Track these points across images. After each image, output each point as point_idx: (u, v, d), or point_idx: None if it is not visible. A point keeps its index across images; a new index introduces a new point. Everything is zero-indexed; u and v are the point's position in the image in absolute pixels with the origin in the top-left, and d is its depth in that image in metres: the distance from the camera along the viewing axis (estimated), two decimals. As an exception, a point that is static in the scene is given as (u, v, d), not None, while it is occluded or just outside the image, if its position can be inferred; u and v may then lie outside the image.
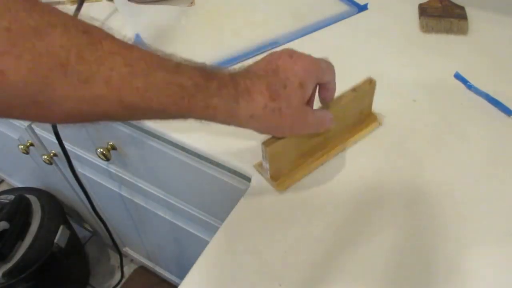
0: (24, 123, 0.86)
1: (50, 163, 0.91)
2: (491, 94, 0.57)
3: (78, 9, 0.64)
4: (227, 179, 0.56)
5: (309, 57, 0.42)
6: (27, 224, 1.05)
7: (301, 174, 0.49)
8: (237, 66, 0.41)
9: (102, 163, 0.80)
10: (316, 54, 0.43)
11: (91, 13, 0.74)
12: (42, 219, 1.06)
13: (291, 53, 0.41)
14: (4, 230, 1.00)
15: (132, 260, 1.34)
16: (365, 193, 0.48)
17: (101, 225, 0.93)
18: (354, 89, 0.49)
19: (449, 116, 0.56)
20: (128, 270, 1.33)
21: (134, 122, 0.59)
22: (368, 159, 0.51)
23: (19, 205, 1.05)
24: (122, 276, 1.27)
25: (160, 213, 0.81)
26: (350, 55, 0.65)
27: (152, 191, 0.76)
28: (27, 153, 0.91)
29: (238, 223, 0.46)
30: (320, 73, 0.42)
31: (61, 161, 0.92)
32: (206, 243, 0.44)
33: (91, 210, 0.85)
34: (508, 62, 0.63)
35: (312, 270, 0.42)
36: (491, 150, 0.52)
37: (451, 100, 0.58)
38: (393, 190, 0.48)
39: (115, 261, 1.38)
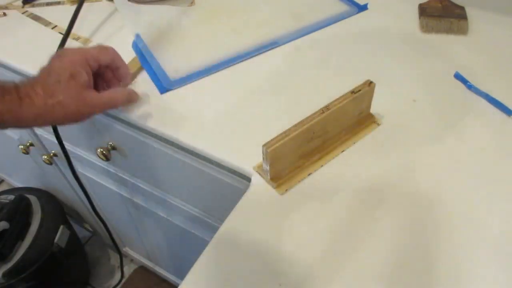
0: (24, 123, 0.86)
1: (50, 163, 0.91)
2: (491, 94, 0.57)
3: (78, 9, 0.64)
4: (227, 179, 0.56)
5: (76, 49, 0.51)
6: (27, 224, 1.05)
7: (301, 176, 0.49)
8: (26, 78, 0.48)
9: (102, 163, 0.80)
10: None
11: (91, 13, 0.74)
12: (42, 219, 1.06)
13: (60, 53, 0.50)
14: (4, 230, 0.99)
15: (132, 260, 1.34)
16: (365, 193, 0.48)
17: (101, 225, 0.92)
18: (353, 91, 0.49)
19: (449, 116, 0.56)
20: (128, 270, 1.33)
21: (135, 122, 0.59)
22: (367, 160, 0.51)
23: (19, 205, 1.05)
24: (122, 276, 1.27)
25: (160, 213, 0.81)
26: (350, 55, 0.65)
27: (152, 191, 0.76)
28: (27, 153, 0.91)
29: (238, 223, 0.46)
30: (91, 59, 0.50)
31: (61, 161, 0.92)
32: (206, 243, 0.44)
33: (91, 210, 0.85)
34: (508, 62, 0.63)
35: (312, 270, 0.42)
36: (491, 150, 0.52)
37: (451, 100, 0.58)
38: (393, 190, 0.48)
39: (115, 261, 1.38)
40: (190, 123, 0.56)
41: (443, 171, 0.50)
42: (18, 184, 1.40)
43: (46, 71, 0.48)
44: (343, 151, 0.52)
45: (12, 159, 1.16)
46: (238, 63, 0.64)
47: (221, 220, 0.49)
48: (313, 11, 0.73)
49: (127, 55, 0.63)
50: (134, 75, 0.62)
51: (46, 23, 0.72)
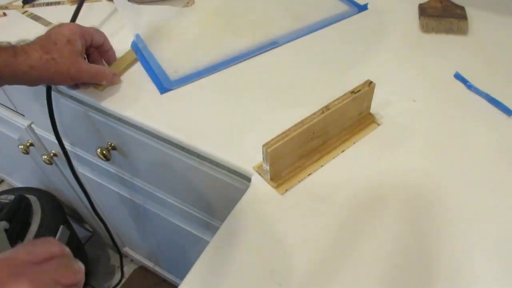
0: (24, 123, 0.86)
1: (50, 163, 0.91)
2: (491, 94, 0.57)
3: (78, 9, 0.64)
4: (227, 179, 0.56)
5: (75, 23, 0.57)
6: (27, 224, 1.05)
7: (301, 176, 0.49)
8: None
9: (102, 163, 0.80)
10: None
11: (91, 13, 0.74)
12: (42, 219, 1.06)
13: (61, 24, 0.56)
14: (4, 230, 0.99)
15: (132, 260, 1.34)
16: (365, 193, 0.48)
17: (101, 225, 0.92)
18: (353, 91, 0.49)
19: (449, 116, 0.56)
20: (128, 270, 1.33)
21: (135, 122, 0.59)
22: (367, 160, 0.51)
23: (19, 205, 1.05)
24: (122, 276, 1.27)
25: (160, 213, 0.81)
26: (350, 55, 0.65)
27: (152, 191, 0.76)
28: (27, 153, 0.91)
29: (238, 223, 0.46)
30: (87, 35, 0.56)
31: (61, 161, 0.92)
32: (206, 243, 0.44)
33: (91, 210, 0.85)
34: (508, 62, 0.63)
35: (312, 270, 0.42)
36: (491, 150, 0.52)
37: (451, 100, 0.58)
38: (393, 190, 0.48)
39: (115, 261, 1.38)
40: (190, 123, 0.56)
41: (443, 171, 0.50)
42: (18, 184, 1.40)
43: (44, 36, 0.54)
44: (343, 151, 0.52)
45: (12, 159, 1.16)
46: (238, 63, 0.63)
47: (221, 220, 0.49)
48: (313, 11, 0.73)
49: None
50: (127, 67, 0.63)
51: (46, 23, 0.72)
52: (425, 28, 0.68)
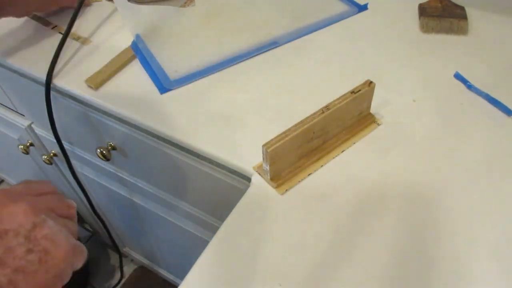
0: (24, 123, 0.86)
1: (50, 163, 0.91)
2: (491, 94, 0.57)
3: (78, 9, 0.64)
4: (227, 179, 0.56)
5: None
6: (27, 224, 1.05)
7: (301, 176, 0.49)
8: None
9: (102, 163, 0.80)
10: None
11: (91, 13, 0.74)
12: (42, 219, 1.06)
13: None
14: (4, 230, 0.99)
15: (132, 260, 1.34)
16: (365, 193, 0.48)
17: (101, 225, 0.92)
18: (353, 91, 0.49)
19: (449, 116, 0.56)
20: (128, 270, 1.33)
21: (135, 122, 0.59)
22: (367, 160, 0.51)
23: (19, 205, 1.05)
24: (122, 276, 1.27)
25: (160, 213, 0.81)
26: (350, 55, 0.65)
27: (152, 191, 0.77)
28: (27, 153, 0.91)
29: (238, 223, 0.46)
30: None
31: (61, 161, 0.92)
32: (206, 243, 0.44)
33: (90, 210, 0.85)
34: (508, 62, 0.63)
35: (312, 270, 0.42)
36: (491, 150, 0.52)
37: (451, 100, 0.58)
38: (393, 190, 0.48)
39: (115, 261, 1.38)
40: (190, 123, 0.56)
41: (443, 171, 0.50)
42: (18, 184, 1.40)
43: None
44: (343, 151, 0.52)
45: (12, 159, 1.16)
46: (238, 63, 0.63)
47: (221, 220, 0.49)
48: (313, 11, 0.73)
49: (127, 55, 0.63)
50: (124, 65, 0.63)
51: (46, 23, 0.72)
52: (425, 28, 0.68)
